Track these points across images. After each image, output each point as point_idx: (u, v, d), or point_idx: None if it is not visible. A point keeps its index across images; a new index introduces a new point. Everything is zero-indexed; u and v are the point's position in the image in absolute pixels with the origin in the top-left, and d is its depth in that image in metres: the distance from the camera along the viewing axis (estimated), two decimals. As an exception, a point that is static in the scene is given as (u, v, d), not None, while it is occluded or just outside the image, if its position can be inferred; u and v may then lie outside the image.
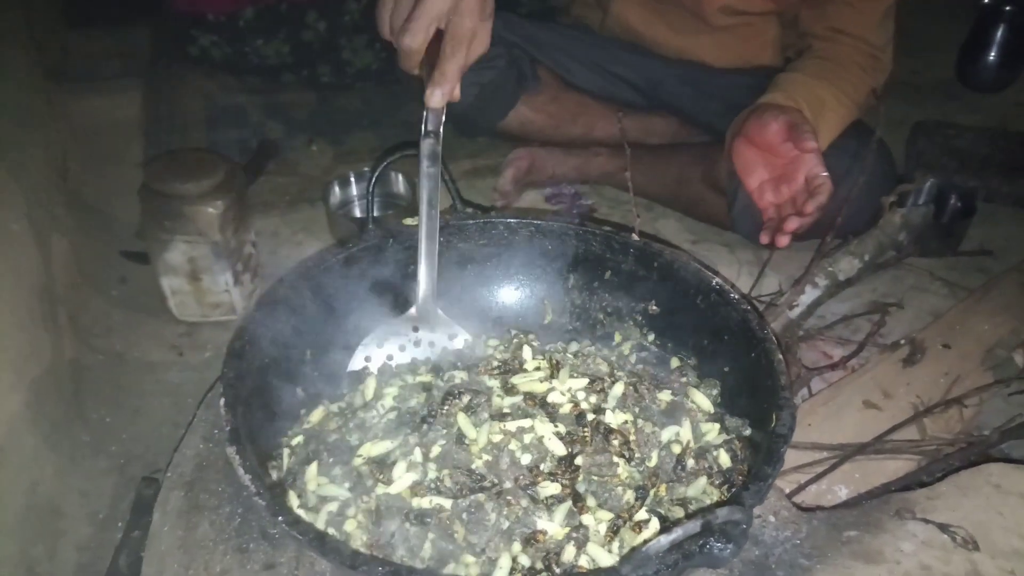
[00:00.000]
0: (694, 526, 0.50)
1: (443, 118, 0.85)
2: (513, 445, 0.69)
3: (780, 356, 0.74)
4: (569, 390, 0.75)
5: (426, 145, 0.83)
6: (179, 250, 1.31)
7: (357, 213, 1.60)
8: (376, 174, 0.94)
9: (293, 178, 1.83)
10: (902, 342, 1.19)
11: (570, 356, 0.83)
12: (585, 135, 1.72)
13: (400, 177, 1.60)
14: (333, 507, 0.69)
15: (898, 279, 1.43)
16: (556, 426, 0.71)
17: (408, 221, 0.96)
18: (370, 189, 0.95)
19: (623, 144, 1.57)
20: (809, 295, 1.28)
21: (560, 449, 0.70)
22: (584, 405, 0.74)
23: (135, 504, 0.96)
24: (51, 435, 1.10)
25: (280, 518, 0.59)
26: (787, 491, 0.97)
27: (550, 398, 0.74)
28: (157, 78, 2.09)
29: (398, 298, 0.92)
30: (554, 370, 0.79)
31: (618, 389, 0.76)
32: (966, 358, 1.16)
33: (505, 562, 0.62)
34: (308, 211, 1.69)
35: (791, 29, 1.59)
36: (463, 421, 0.71)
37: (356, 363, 0.89)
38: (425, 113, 0.84)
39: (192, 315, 1.39)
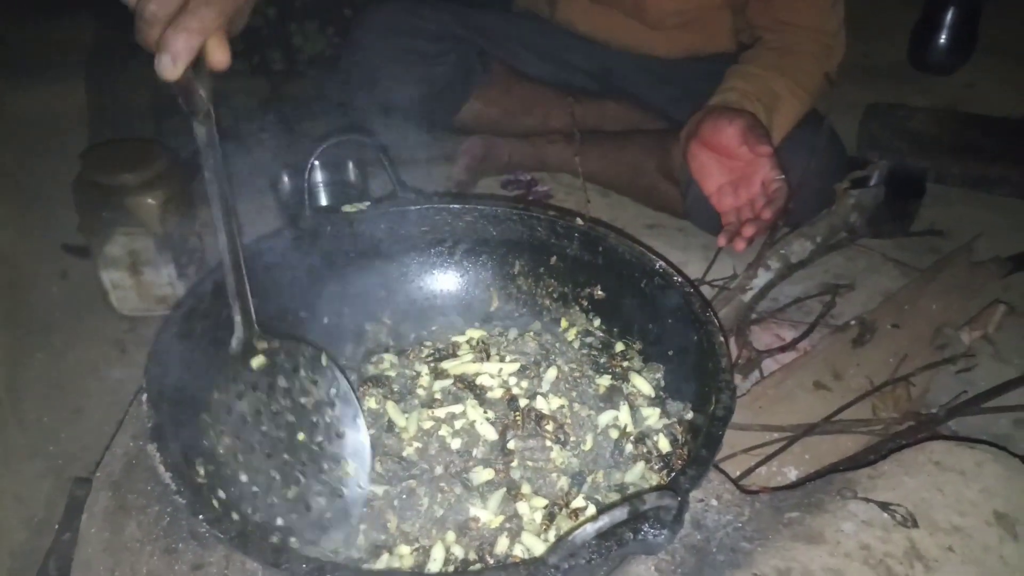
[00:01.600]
0: (621, 513, 0.48)
1: (206, 90, 0.65)
2: (444, 431, 0.68)
3: (722, 338, 0.73)
4: (500, 372, 0.74)
5: (199, 131, 0.64)
6: (119, 243, 1.27)
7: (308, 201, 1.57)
8: (312, 162, 0.92)
9: (242, 167, 1.79)
10: (852, 323, 1.19)
11: (504, 340, 0.81)
12: (541, 125, 1.71)
13: (351, 164, 1.56)
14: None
15: (851, 260, 1.43)
16: (486, 412, 0.69)
17: (347, 208, 0.94)
18: (307, 177, 0.92)
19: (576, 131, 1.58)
20: (762, 278, 1.28)
21: (491, 434, 0.68)
22: (516, 390, 0.72)
23: (67, 506, 0.93)
24: (-18, 437, 1.06)
25: (201, 516, 0.56)
26: (737, 473, 0.97)
27: (479, 381, 0.73)
28: (101, 67, 2.03)
29: (333, 283, 0.90)
30: (485, 353, 0.77)
31: (551, 374, 0.74)
32: (915, 338, 1.16)
33: (439, 553, 0.60)
34: (259, 200, 1.64)
35: (743, 15, 1.58)
36: (392, 409, 0.69)
37: None
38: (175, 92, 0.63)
39: (135, 310, 1.35)
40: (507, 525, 0.62)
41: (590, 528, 0.47)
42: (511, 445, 0.69)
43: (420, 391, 0.73)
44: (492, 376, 0.73)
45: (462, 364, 0.75)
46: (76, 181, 1.25)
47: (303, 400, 0.65)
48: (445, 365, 0.75)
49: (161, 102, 2.01)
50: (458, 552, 0.61)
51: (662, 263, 0.84)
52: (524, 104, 1.70)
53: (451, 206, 0.94)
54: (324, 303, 0.92)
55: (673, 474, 0.67)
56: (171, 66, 0.61)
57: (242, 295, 0.67)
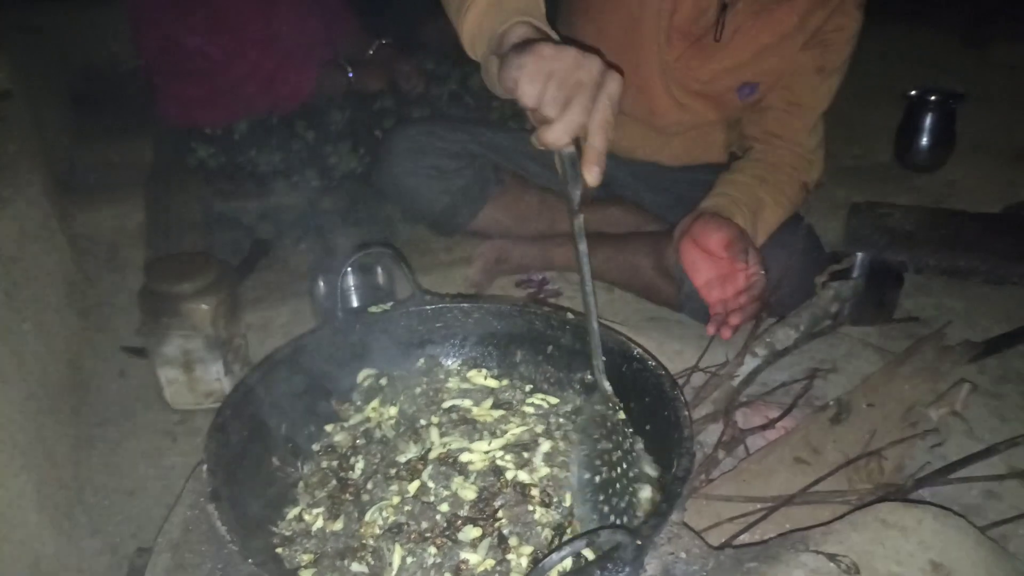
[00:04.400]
0: (580, 543, 0.61)
1: (578, 190, 0.86)
2: (430, 497, 0.81)
3: (686, 413, 0.86)
4: (489, 447, 0.87)
5: (578, 222, 0.87)
6: (175, 343, 1.44)
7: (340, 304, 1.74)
8: (345, 269, 1.09)
9: (282, 275, 1.98)
10: (831, 403, 1.30)
11: (513, 421, 0.94)
12: (549, 229, 1.88)
13: (380, 270, 1.74)
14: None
15: (834, 347, 1.55)
16: (468, 486, 0.83)
17: (373, 309, 1.10)
18: (339, 283, 1.08)
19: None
20: (748, 365, 1.40)
21: (471, 494, 0.81)
22: (500, 462, 0.85)
23: (129, 572, 1.06)
24: (53, 516, 1.20)
25: (250, 560, 0.69)
26: (722, 540, 1.07)
27: (462, 457, 0.86)
28: (158, 186, 2.27)
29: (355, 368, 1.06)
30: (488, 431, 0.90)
31: (545, 447, 0.87)
32: (888, 415, 1.27)
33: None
34: (296, 304, 1.82)
35: (735, 130, 1.77)
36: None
37: None
38: (573, 191, 0.85)
39: (186, 403, 1.51)
40: (498, 569, 0.74)
41: (555, 556, 0.60)
42: (500, 513, 0.81)
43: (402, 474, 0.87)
44: (471, 452, 0.86)
45: (448, 442, 0.88)
46: (141, 290, 1.44)
47: None
48: (432, 454, 0.89)
49: (209, 218, 2.24)
50: (459, 592, 0.73)
51: (639, 349, 0.98)
52: (534, 211, 1.88)
53: (461, 305, 1.10)
54: (346, 391, 1.06)
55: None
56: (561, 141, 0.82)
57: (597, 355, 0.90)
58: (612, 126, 0.83)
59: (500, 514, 0.80)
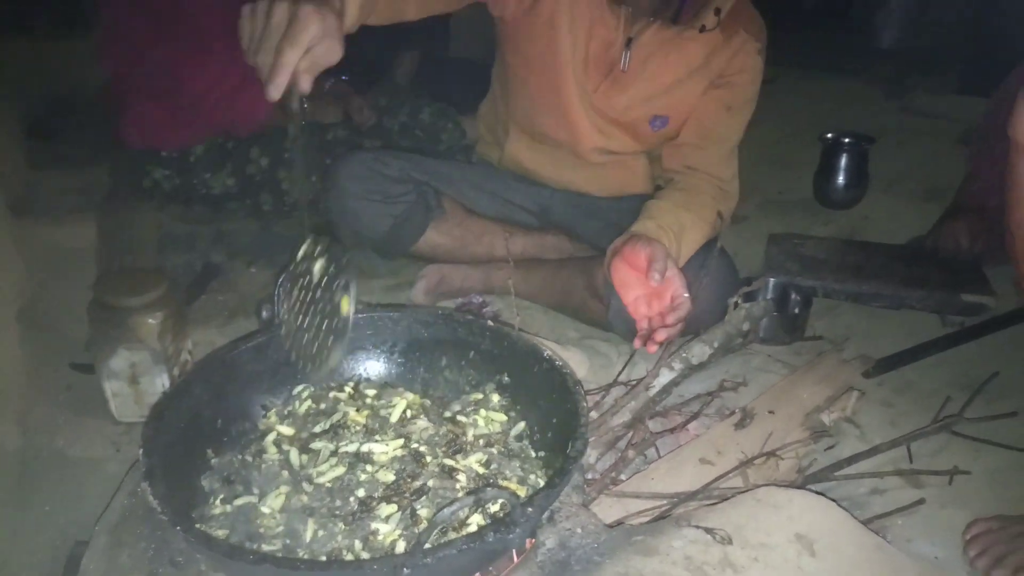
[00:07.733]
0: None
1: (298, 102, 1.02)
2: (349, 477, 0.90)
3: (584, 404, 0.96)
4: (388, 449, 0.96)
5: (292, 128, 1.08)
6: (121, 356, 1.50)
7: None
8: (279, 282, 1.17)
9: (232, 296, 2.05)
10: (736, 411, 1.42)
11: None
12: (488, 253, 1.99)
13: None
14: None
15: (746, 362, 1.68)
16: (386, 469, 0.91)
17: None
18: (276, 292, 1.17)
19: (519, 260, 1.86)
20: (664, 377, 1.52)
21: (389, 476, 0.89)
22: (423, 448, 0.94)
23: (68, 561, 1.11)
24: (2, 510, 1.24)
25: (178, 528, 0.77)
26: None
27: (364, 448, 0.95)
28: (112, 210, 2.32)
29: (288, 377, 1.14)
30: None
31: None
32: (787, 421, 1.39)
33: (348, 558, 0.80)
34: (244, 323, 1.89)
35: (658, 164, 1.90)
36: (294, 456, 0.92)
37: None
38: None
39: (131, 416, 1.55)
40: (403, 532, 0.82)
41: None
42: (431, 483, 0.89)
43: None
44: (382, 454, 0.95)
45: (356, 443, 0.97)
46: (89, 303, 1.50)
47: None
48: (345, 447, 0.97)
49: (162, 240, 2.30)
50: (365, 556, 0.81)
51: (549, 351, 1.08)
52: (474, 236, 1.99)
53: (391, 314, 1.19)
54: (275, 390, 1.15)
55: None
56: (273, 94, 0.99)
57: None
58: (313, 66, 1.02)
59: (429, 484, 0.88)
